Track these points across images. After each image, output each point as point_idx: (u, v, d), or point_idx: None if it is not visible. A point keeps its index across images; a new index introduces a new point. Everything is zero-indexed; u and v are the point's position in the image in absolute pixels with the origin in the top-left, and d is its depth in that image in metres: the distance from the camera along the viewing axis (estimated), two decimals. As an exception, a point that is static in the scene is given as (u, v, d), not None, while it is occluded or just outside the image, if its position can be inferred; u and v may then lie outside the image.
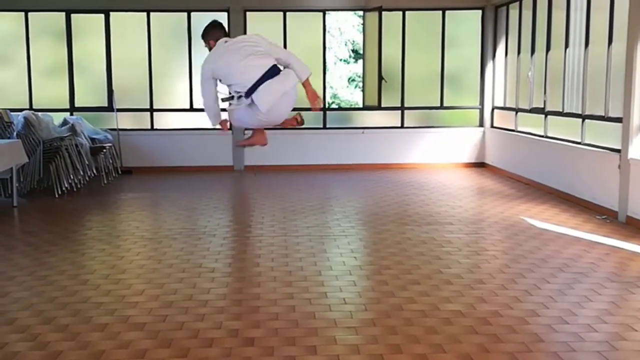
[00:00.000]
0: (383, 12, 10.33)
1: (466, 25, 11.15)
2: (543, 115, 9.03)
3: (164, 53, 10.83)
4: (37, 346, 3.71)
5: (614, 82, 7.23)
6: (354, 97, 17.60)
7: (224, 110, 5.17)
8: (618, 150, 6.98)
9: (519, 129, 9.96)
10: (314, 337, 3.81)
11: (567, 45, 8.35)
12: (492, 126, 11.00)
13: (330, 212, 7.49)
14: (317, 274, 5.08)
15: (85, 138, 9.56)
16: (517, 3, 9.95)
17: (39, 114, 9.07)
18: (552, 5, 8.77)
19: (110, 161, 10.02)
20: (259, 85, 4.82)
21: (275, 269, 5.22)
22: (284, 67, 4.99)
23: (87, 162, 9.11)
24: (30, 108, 10.30)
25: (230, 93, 5.06)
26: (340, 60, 17.85)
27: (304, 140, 10.78)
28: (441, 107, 11.12)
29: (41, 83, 10.76)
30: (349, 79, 17.94)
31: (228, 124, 5.35)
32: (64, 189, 8.59)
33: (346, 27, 17.51)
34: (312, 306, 4.37)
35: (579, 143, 7.98)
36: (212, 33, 5.10)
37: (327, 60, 11.26)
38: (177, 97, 10.89)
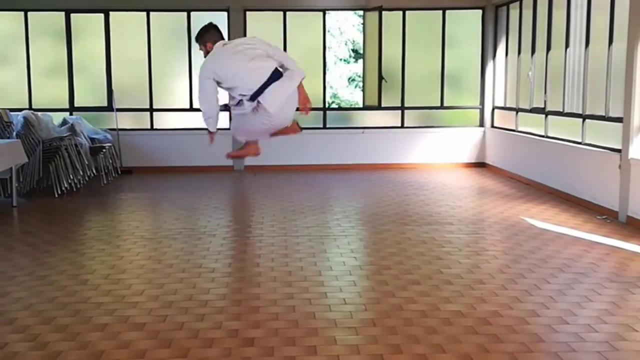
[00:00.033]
0: (383, 12, 10.32)
1: (466, 25, 11.14)
2: (543, 115, 9.02)
3: (163, 53, 10.82)
4: (36, 346, 3.71)
5: (614, 82, 7.22)
6: (354, 97, 17.59)
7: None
8: (618, 150, 6.98)
9: (519, 128, 9.96)
10: (314, 337, 3.81)
11: (567, 45, 8.35)
12: (492, 126, 10.99)
13: (330, 212, 7.48)
14: (317, 274, 5.08)
15: (85, 138, 9.56)
16: (518, 3, 9.95)
17: (39, 113, 9.06)
18: (552, 5, 8.77)
19: (110, 161, 10.01)
20: (265, 88, 4.80)
21: (275, 269, 5.21)
22: (283, 69, 4.96)
23: (86, 162, 9.10)
24: (30, 108, 10.29)
25: (229, 99, 5.02)
26: (341, 60, 17.84)
27: (304, 140, 10.75)
28: (441, 107, 11.12)
29: (41, 83, 10.76)
30: (349, 78, 17.93)
31: (215, 137, 5.16)
32: (63, 189, 8.58)
33: (346, 26, 17.50)
34: (312, 306, 4.36)
35: (579, 143, 7.97)
36: (209, 35, 5.00)
37: (327, 60, 11.25)
38: (177, 97, 10.88)
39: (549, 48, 8.87)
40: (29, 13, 10.53)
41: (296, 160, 10.71)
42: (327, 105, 11.39)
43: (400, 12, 10.79)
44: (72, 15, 10.59)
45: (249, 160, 10.50)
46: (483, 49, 11.03)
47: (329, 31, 12.80)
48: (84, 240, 6.35)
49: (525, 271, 5.08)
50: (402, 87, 10.99)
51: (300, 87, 4.99)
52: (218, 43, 4.94)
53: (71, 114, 10.50)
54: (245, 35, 10.62)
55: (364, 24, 11.48)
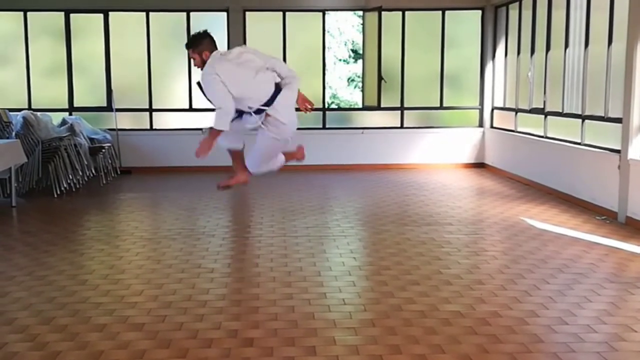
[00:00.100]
0: (383, 12, 10.32)
1: (466, 25, 11.15)
2: (543, 116, 9.02)
3: (163, 53, 10.82)
4: (36, 346, 3.71)
5: (613, 82, 7.22)
6: (354, 97, 17.59)
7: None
8: (618, 151, 6.98)
9: (518, 129, 9.96)
10: (314, 337, 3.81)
11: (566, 46, 8.35)
12: (491, 126, 10.99)
13: (329, 212, 7.48)
14: (316, 274, 5.07)
15: (84, 138, 9.56)
16: (517, 3, 9.95)
17: (38, 113, 9.06)
18: (551, 5, 8.77)
19: (109, 161, 10.01)
20: (273, 100, 4.77)
21: (274, 269, 5.21)
22: (281, 80, 4.94)
23: (86, 162, 9.10)
24: (29, 108, 10.29)
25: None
26: (340, 60, 17.84)
27: (304, 141, 10.69)
28: (441, 107, 11.12)
29: (40, 83, 10.75)
30: (349, 79, 17.93)
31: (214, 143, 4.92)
32: (62, 189, 8.58)
33: (346, 27, 17.50)
34: (312, 307, 4.36)
35: (578, 143, 7.97)
36: (206, 43, 4.79)
37: (326, 61, 11.24)
38: (176, 97, 10.88)
39: (548, 48, 8.87)
40: (29, 13, 10.52)
41: (296, 161, 10.68)
42: (326, 106, 11.40)
43: (400, 13, 10.79)
44: (71, 15, 10.58)
45: (249, 161, 10.50)
46: (482, 49, 11.03)
47: (328, 31, 12.80)
48: (83, 240, 6.35)
49: (525, 272, 5.08)
50: (402, 87, 10.99)
51: (299, 92, 5.00)
52: (215, 52, 4.80)
53: (70, 114, 10.50)
54: (245, 35, 10.65)
55: (363, 24, 11.48)
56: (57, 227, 6.78)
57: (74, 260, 5.53)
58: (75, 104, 10.73)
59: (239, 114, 4.81)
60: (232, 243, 6.27)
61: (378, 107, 10.63)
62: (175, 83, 10.88)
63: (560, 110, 8.51)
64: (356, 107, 15.83)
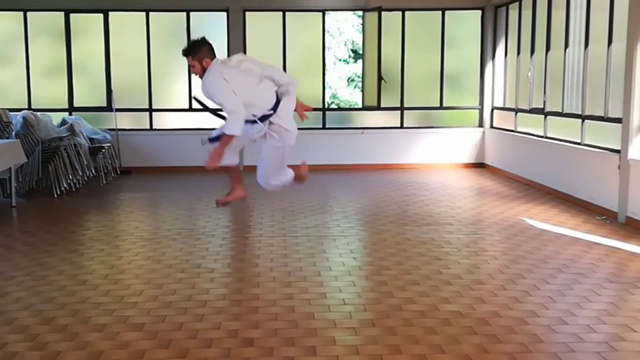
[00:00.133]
0: (382, 12, 10.32)
1: (466, 25, 11.15)
2: (543, 116, 9.02)
3: (163, 53, 10.81)
4: (36, 346, 3.71)
5: (613, 82, 7.23)
6: (354, 97, 17.59)
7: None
8: (618, 151, 6.98)
9: (518, 129, 9.96)
10: (314, 337, 3.81)
11: (566, 46, 8.35)
12: (491, 126, 10.99)
13: (329, 212, 7.48)
14: (316, 274, 5.07)
15: (84, 138, 9.56)
16: (517, 3, 9.95)
17: (38, 113, 9.06)
18: (551, 5, 8.77)
19: (109, 161, 10.01)
20: (277, 107, 4.76)
21: (274, 269, 5.21)
22: (279, 88, 4.92)
23: (86, 162, 9.10)
24: (29, 108, 10.29)
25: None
26: (340, 60, 17.85)
27: (304, 141, 10.63)
28: (441, 107, 11.12)
29: (40, 83, 10.75)
30: (349, 79, 17.94)
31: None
32: (62, 189, 8.58)
33: (346, 27, 17.50)
34: (312, 307, 4.36)
35: (578, 143, 7.97)
36: (206, 50, 4.74)
37: (326, 61, 11.24)
38: (176, 97, 10.88)
39: (548, 48, 8.87)
40: (29, 13, 10.52)
41: (295, 161, 10.64)
42: (326, 106, 11.39)
43: (400, 13, 10.79)
44: (71, 15, 10.58)
45: (249, 161, 10.50)
46: (482, 49, 11.03)
47: (328, 31, 12.81)
48: (83, 240, 6.35)
49: (525, 272, 5.08)
50: (402, 87, 10.99)
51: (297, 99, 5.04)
52: (215, 60, 4.77)
53: (70, 114, 10.50)
54: (245, 35, 10.65)
55: (363, 24, 11.49)
56: (57, 227, 6.78)
57: (74, 260, 5.53)
58: (75, 104, 10.73)
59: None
60: (232, 243, 6.27)
61: (378, 107, 10.63)
62: (175, 83, 10.88)
63: (560, 110, 8.51)
64: (356, 107, 15.83)
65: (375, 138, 10.97)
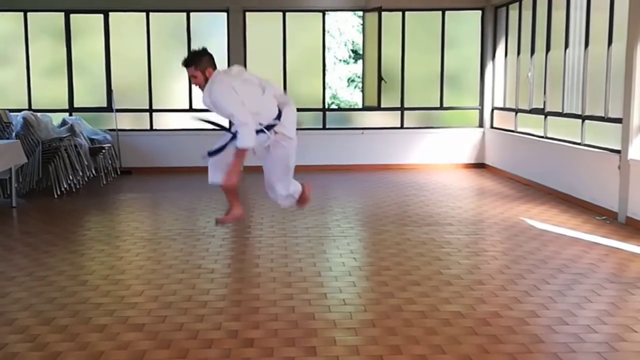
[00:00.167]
0: (383, 13, 10.33)
1: (466, 25, 11.15)
2: (543, 116, 9.02)
3: (163, 53, 10.82)
4: (36, 347, 3.71)
5: (613, 83, 7.23)
6: (354, 97, 17.59)
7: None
8: (618, 151, 6.98)
9: (518, 129, 9.96)
10: (314, 338, 3.81)
11: (566, 46, 8.35)
12: (491, 127, 10.99)
13: (329, 212, 7.48)
14: (316, 274, 5.07)
15: (85, 138, 9.56)
16: (517, 3, 9.95)
17: (38, 114, 9.06)
18: (551, 6, 8.77)
19: (110, 162, 10.01)
20: (280, 116, 4.76)
21: (274, 269, 5.21)
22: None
23: (86, 163, 9.10)
24: (29, 108, 10.29)
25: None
26: (340, 60, 17.85)
27: (304, 141, 10.62)
28: (441, 107, 11.12)
29: (40, 83, 10.76)
30: (349, 79, 17.94)
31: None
32: (63, 189, 8.58)
33: (346, 27, 17.50)
34: (312, 307, 4.36)
35: (578, 144, 7.97)
36: (207, 61, 4.64)
37: (326, 61, 11.24)
38: (177, 98, 10.89)
39: (548, 49, 8.87)
40: (29, 13, 10.53)
41: (296, 161, 10.69)
42: (326, 106, 11.39)
43: (400, 13, 10.79)
44: (71, 15, 10.59)
45: (249, 161, 10.51)
46: (482, 49, 11.03)
47: (328, 32, 12.80)
48: (84, 240, 6.35)
49: (525, 272, 5.08)
50: (402, 87, 11.00)
51: None
52: (217, 70, 4.70)
53: (71, 115, 10.50)
54: (245, 35, 10.65)
55: (363, 24, 11.49)
56: (58, 227, 6.78)
57: (74, 260, 5.53)
58: (76, 105, 10.73)
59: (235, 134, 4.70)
60: (232, 243, 6.26)
61: (378, 108, 10.63)
62: (175, 83, 10.88)
63: (560, 111, 8.51)
64: (356, 107, 15.84)
65: (375, 138, 10.97)
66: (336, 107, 16.84)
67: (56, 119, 9.80)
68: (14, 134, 8.54)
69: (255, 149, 4.75)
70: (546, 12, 8.90)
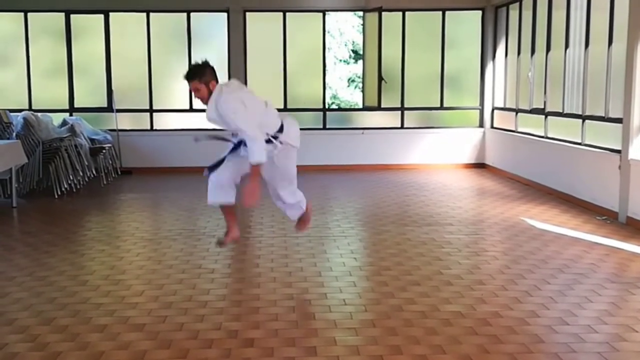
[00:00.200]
0: (383, 13, 10.33)
1: (466, 25, 11.15)
2: (543, 116, 9.02)
3: (163, 53, 10.82)
4: (36, 347, 3.71)
5: (614, 83, 7.22)
6: (354, 97, 17.60)
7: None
8: (618, 151, 6.98)
9: (519, 129, 9.96)
10: (314, 338, 3.81)
11: (567, 46, 8.35)
12: (492, 127, 10.99)
13: (330, 212, 7.48)
14: (316, 274, 5.07)
15: (85, 139, 9.56)
16: (517, 3, 9.95)
17: (39, 114, 9.06)
18: (552, 6, 8.77)
19: (110, 162, 10.01)
20: (282, 129, 4.76)
21: (274, 269, 5.21)
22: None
23: (86, 163, 9.11)
24: (30, 109, 10.30)
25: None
26: (340, 60, 17.86)
27: (304, 141, 10.60)
28: (441, 107, 11.12)
29: (40, 83, 10.76)
30: (349, 79, 17.95)
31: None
32: (63, 189, 8.58)
33: (346, 27, 17.51)
34: (312, 307, 4.37)
35: (579, 144, 7.97)
36: (210, 73, 4.56)
37: (327, 61, 11.24)
38: (177, 98, 10.88)
39: (548, 49, 8.87)
40: (29, 14, 10.53)
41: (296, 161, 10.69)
42: (327, 106, 11.39)
43: (400, 13, 10.80)
44: (72, 16, 10.59)
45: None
46: (483, 49, 11.03)
47: (328, 32, 12.81)
48: (84, 241, 6.35)
49: (525, 272, 5.08)
50: (402, 87, 10.99)
51: None
52: (220, 83, 4.62)
53: (71, 115, 10.50)
54: (245, 35, 10.65)
55: (363, 24, 11.49)
56: (58, 227, 6.78)
57: (75, 261, 5.53)
58: (76, 105, 10.74)
59: (237, 144, 4.71)
60: (233, 244, 6.25)
61: (378, 108, 10.63)
62: (176, 84, 10.85)
63: (561, 111, 8.51)
64: (356, 107, 15.84)
65: (375, 138, 10.97)
66: (336, 107, 16.86)
67: (56, 119, 9.80)
68: (14, 134, 8.54)
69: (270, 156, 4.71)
70: (546, 12, 8.90)
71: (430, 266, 5.28)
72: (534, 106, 9.37)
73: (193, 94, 4.63)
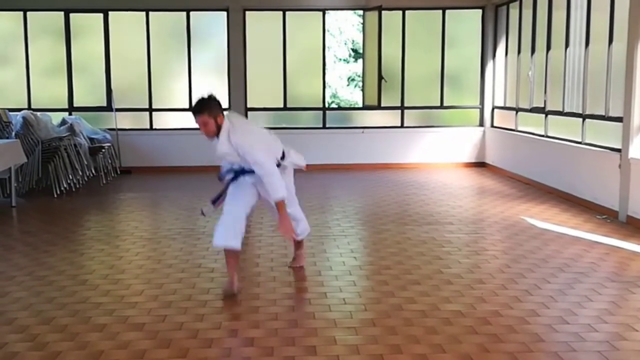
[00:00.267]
0: (383, 12, 10.31)
1: (466, 24, 11.14)
2: (543, 115, 9.01)
3: (163, 52, 10.81)
4: (36, 346, 3.70)
5: (614, 82, 7.22)
6: (354, 96, 17.58)
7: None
8: (618, 150, 6.97)
9: (519, 128, 9.95)
10: (314, 337, 3.80)
11: (567, 45, 8.34)
12: (492, 126, 10.99)
13: (330, 212, 7.47)
14: (316, 274, 5.07)
15: (84, 138, 9.55)
16: (518, 2, 9.94)
17: (38, 113, 9.06)
18: (552, 5, 8.76)
19: (109, 161, 10.01)
20: (283, 156, 4.77)
21: (274, 269, 5.21)
22: None
23: (85, 162, 9.10)
24: (29, 108, 10.29)
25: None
26: (340, 59, 17.84)
27: (304, 140, 10.74)
28: (441, 106, 11.11)
29: (40, 83, 10.75)
30: (349, 78, 17.93)
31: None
32: (62, 189, 8.57)
33: (346, 26, 17.49)
34: (312, 306, 4.36)
35: (579, 143, 7.97)
36: (218, 107, 4.41)
37: (326, 60, 11.23)
38: (176, 97, 10.87)
39: (548, 48, 8.86)
40: (28, 13, 10.52)
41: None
42: (326, 105, 11.38)
43: (400, 12, 10.79)
44: (71, 15, 10.58)
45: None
46: (483, 48, 11.03)
47: (328, 31, 12.79)
48: (83, 240, 6.35)
49: (526, 271, 5.07)
50: (402, 86, 10.99)
51: None
52: (226, 118, 4.49)
53: (70, 114, 10.50)
54: (245, 34, 10.64)
55: (363, 23, 11.47)
56: (57, 227, 6.77)
57: (74, 260, 5.52)
58: (75, 104, 10.73)
59: (238, 173, 4.64)
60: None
61: (378, 107, 10.62)
62: (175, 83, 10.88)
63: (561, 110, 8.50)
64: (356, 106, 15.83)
65: (375, 137, 10.97)
66: (336, 106, 16.84)
67: (56, 118, 9.79)
68: (13, 133, 8.53)
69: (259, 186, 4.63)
70: (547, 11, 8.89)
71: (431, 265, 5.27)
72: (534, 105, 9.36)
73: (199, 128, 4.47)
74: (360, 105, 12.45)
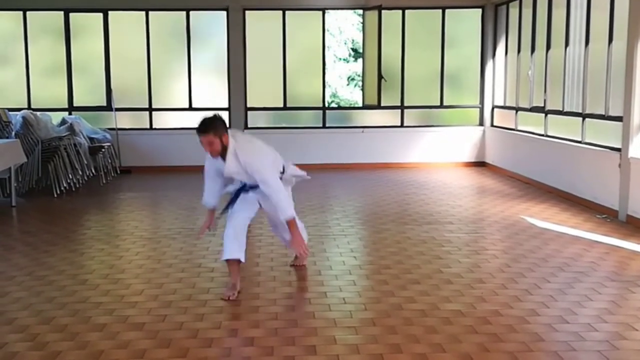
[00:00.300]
0: (383, 11, 10.31)
1: (466, 23, 11.14)
2: (543, 114, 9.01)
3: (162, 52, 10.81)
4: (36, 346, 3.70)
5: (614, 81, 7.22)
6: (354, 96, 17.58)
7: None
8: (618, 149, 6.97)
9: (519, 127, 9.95)
10: (314, 336, 3.80)
11: (567, 44, 8.34)
12: (492, 125, 10.98)
13: (329, 211, 7.47)
14: (316, 273, 5.07)
15: (84, 137, 9.55)
16: (517, 1, 9.94)
17: (38, 113, 9.06)
18: (552, 4, 8.76)
19: (109, 161, 10.00)
20: (285, 168, 4.81)
21: (274, 268, 5.21)
22: None
23: (85, 162, 9.10)
24: (29, 107, 10.29)
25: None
26: (340, 59, 17.83)
27: (304, 140, 10.76)
28: (441, 106, 11.11)
29: (40, 82, 10.75)
30: (349, 78, 17.92)
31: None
32: (62, 188, 8.57)
33: (346, 25, 17.48)
34: (312, 306, 4.36)
35: (579, 142, 7.96)
36: (222, 126, 4.39)
37: (326, 59, 11.22)
38: (176, 97, 10.87)
39: (548, 47, 8.86)
40: (28, 12, 10.51)
41: (295, 160, 10.51)
42: (326, 105, 11.38)
43: (400, 11, 10.78)
44: (71, 14, 10.57)
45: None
46: (483, 48, 11.02)
47: (328, 30, 12.79)
48: (83, 240, 6.34)
49: (526, 270, 5.07)
50: (402, 86, 10.98)
51: None
52: (231, 137, 4.46)
53: (70, 114, 10.49)
54: (244, 34, 10.63)
55: (363, 23, 11.47)
56: (57, 226, 6.77)
57: (74, 260, 5.52)
58: (75, 104, 10.72)
59: (240, 189, 4.70)
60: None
61: (378, 106, 10.61)
62: (175, 82, 10.87)
63: (561, 109, 8.50)
64: (356, 106, 15.83)
65: (375, 137, 10.96)
66: (336, 105, 16.83)
67: (56, 118, 9.78)
68: (13, 133, 8.53)
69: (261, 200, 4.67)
70: (546, 10, 8.89)
71: (430, 265, 5.27)
72: (534, 104, 9.36)
73: (204, 148, 4.45)
74: (360, 104, 12.45)
